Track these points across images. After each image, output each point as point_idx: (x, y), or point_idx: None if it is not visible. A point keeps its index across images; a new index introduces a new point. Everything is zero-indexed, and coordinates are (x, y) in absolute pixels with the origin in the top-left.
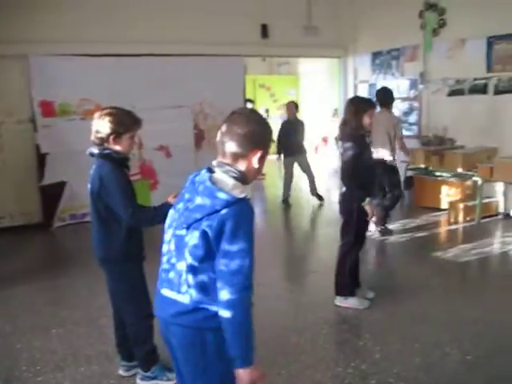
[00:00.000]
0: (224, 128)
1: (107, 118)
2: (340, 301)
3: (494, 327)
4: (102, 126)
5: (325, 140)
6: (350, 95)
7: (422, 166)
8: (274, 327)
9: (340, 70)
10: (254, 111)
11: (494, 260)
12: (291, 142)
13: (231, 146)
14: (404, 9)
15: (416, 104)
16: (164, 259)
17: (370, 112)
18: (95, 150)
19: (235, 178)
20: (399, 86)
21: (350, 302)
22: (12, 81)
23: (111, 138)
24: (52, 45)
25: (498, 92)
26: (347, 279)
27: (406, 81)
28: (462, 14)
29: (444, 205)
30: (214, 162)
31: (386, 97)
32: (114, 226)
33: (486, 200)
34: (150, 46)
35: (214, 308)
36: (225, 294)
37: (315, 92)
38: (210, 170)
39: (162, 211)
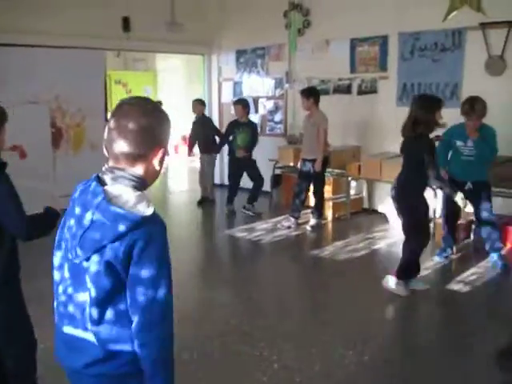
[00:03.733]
0: (112, 123)
1: None
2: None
3: (384, 326)
4: None
5: (184, 139)
6: (215, 93)
7: (291, 164)
8: None
9: (204, 68)
10: (147, 100)
11: (372, 256)
12: (200, 139)
13: (125, 146)
14: (269, 8)
15: (281, 103)
16: (59, 289)
17: (441, 109)
18: None
19: (135, 188)
20: (264, 84)
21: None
22: None
23: None
24: None
25: (361, 92)
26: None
27: (272, 80)
28: (327, 15)
29: (312, 202)
30: (105, 169)
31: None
32: None
33: (353, 197)
34: (2, 34)
35: (128, 347)
36: (138, 330)
37: (173, 89)
38: (100, 180)
39: (50, 219)
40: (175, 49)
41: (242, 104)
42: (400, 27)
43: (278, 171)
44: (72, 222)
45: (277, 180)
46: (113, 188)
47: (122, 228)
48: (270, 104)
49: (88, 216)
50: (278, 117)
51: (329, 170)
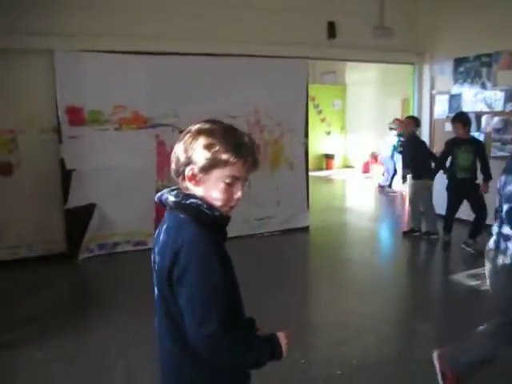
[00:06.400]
0: None
1: (203, 140)
2: None
3: None
4: (191, 151)
5: (375, 157)
6: (426, 108)
7: None
8: None
9: (414, 79)
10: None
11: None
12: (411, 162)
13: None
14: (499, 7)
15: None
16: None
17: None
18: (171, 197)
19: None
20: (491, 97)
21: None
22: (34, 81)
23: (199, 174)
24: (83, 39)
25: None
26: None
27: (501, 92)
28: None
29: None
30: None
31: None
32: None
33: None
34: (200, 44)
35: None
36: None
37: (364, 103)
38: None
39: (263, 348)
40: (382, 57)
41: (462, 121)
42: None
43: None
44: None
45: None
46: None
47: None
48: (496, 121)
49: None
50: (507, 136)
51: None
